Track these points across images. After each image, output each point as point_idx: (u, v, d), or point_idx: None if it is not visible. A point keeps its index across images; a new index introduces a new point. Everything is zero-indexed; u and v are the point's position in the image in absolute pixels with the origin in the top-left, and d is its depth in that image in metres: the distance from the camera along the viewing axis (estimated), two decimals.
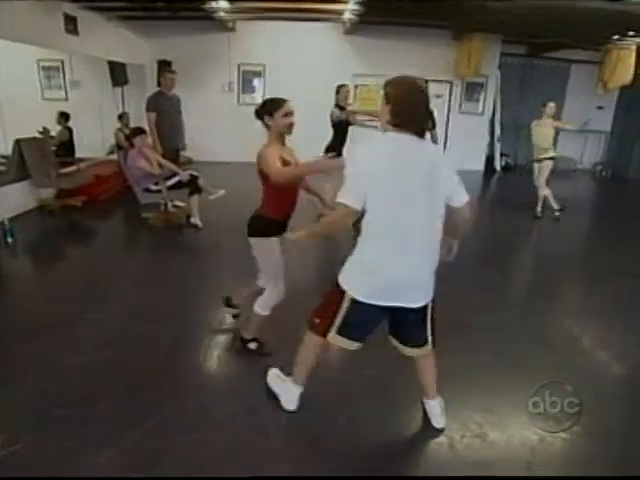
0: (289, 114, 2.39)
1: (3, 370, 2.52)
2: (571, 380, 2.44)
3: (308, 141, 9.54)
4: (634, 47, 8.17)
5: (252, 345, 2.72)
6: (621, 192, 9.66)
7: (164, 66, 8.22)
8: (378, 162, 1.79)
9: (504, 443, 2.19)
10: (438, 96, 9.76)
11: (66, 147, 6.75)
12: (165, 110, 5.57)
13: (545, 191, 6.30)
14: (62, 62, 8.57)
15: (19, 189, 5.48)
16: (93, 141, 8.03)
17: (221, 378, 2.67)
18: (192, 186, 5.09)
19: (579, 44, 8.77)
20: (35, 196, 5.70)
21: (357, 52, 9.30)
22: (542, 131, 6.27)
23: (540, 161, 6.30)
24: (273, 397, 2.32)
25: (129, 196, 6.75)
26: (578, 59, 10.17)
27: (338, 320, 1.99)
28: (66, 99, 8.70)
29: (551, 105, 6.27)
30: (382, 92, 1.85)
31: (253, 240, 2.50)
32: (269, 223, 2.47)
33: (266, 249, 2.48)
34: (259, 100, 10.23)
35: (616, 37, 7.60)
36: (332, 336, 2.03)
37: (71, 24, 6.19)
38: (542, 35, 8.05)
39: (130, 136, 4.99)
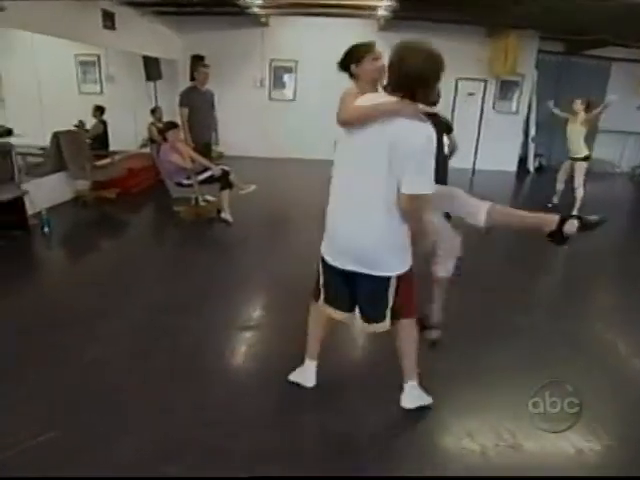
0: (378, 58, 2.22)
1: (32, 359, 2.58)
2: (607, 386, 2.35)
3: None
4: None
5: (434, 334, 2.69)
6: None
7: (197, 61, 8.32)
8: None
9: (539, 453, 2.12)
10: (470, 94, 9.58)
11: (101, 140, 6.90)
12: (197, 105, 5.60)
13: (580, 192, 6.16)
14: (98, 57, 8.75)
15: (56, 180, 5.63)
16: (126, 134, 8.19)
17: (247, 374, 2.65)
18: (223, 181, 5.12)
19: (622, 41, 8.42)
20: (71, 187, 5.84)
21: (390, 48, 9.16)
22: (572, 129, 6.15)
23: (575, 160, 6.20)
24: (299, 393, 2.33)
25: (160, 189, 6.84)
26: (619, 57, 9.79)
27: (320, 281, 2.11)
28: (101, 93, 8.89)
29: (577, 102, 6.14)
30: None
31: None
32: None
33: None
34: (290, 96, 10.40)
35: None
36: (321, 302, 2.15)
37: (109, 20, 6.30)
38: (584, 32, 7.75)
39: (163, 130, 5.05)
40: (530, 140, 9.94)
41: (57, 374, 2.45)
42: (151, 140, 7.21)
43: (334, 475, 1.95)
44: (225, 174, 5.12)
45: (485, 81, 9.52)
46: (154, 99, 8.73)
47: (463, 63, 9.06)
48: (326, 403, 2.32)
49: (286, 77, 9.54)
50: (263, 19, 8.57)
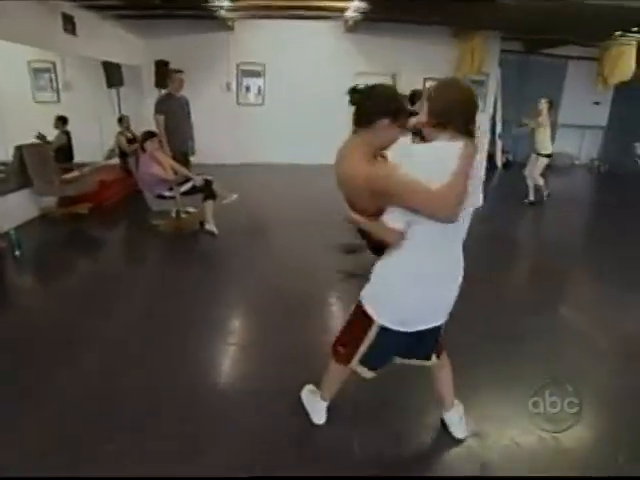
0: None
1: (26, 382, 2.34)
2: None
3: (310, 142, 9.50)
4: (634, 43, 8.21)
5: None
6: (619, 186, 9.72)
7: (162, 66, 8.00)
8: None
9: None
10: None
11: (65, 152, 6.48)
12: (173, 112, 5.38)
13: (540, 181, 6.72)
14: (53, 64, 8.24)
15: (20, 197, 5.21)
16: (90, 145, 7.75)
17: (241, 393, 2.48)
18: (207, 191, 4.90)
19: (580, 40, 8.78)
20: (37, 204, 5.43)
21: (358, 50, 9.17)
22: (538, 128, 6.50)
23: (539, 155, 6.59)
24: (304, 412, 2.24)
25: (134, 202, 6.55)
26: (575, 55, 10.22)
27: (362, 350, 1.85)
28: (58, 101, 8.39)
29: (542, 101, 6.51)
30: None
31: None
32: None
33: None
34: (258, 101, 10.17)
35: (619, 33, 7.60)
36: (355, 364, 1.91)
37: (69, 24, 5.93)
38: (546, 31, 8.01)
39: (141, 140, 4.77)
40: (497, 137, 10.20)
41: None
42: (121, 151, 6.84)
43: (333, 475, 1.91)
44: (208, 184, 4.91)
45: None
46: (118, 107, 8.32)
47: (431, 64, 9.19)
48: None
49: (254, 81, 9.33)
50: (229, 23, 8.34)
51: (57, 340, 2.88)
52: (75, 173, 5.87)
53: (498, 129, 10.17)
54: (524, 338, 3.08)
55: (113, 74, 7.95)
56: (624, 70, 8.54)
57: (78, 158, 6.93)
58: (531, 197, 6.83)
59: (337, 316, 3.30)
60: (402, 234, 1.60)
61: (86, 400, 2.33)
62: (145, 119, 8.46)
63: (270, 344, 2.93)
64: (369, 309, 1.78)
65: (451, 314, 1.88)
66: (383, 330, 1.76)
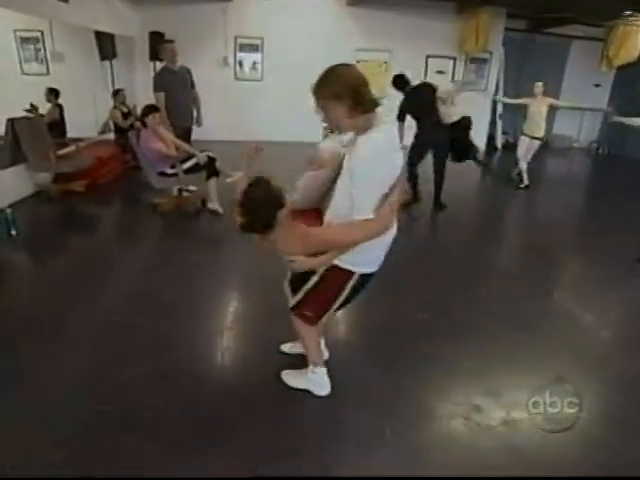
0: None
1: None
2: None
3: (306, 116, 9.26)
4: None
5: None
6: (616, 169, 9.72)
7: (157, 38, 7.69)
8: None
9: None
10: (440, 72, 9.51)
11: (58, 126, 6.20)
12: (173, 87, 5.16)
13: (523, 165, 6.63)
14: (42, 32, 7.86)
15: (14, 174, 4.98)
16: (83, 119, 7.45)
17: (236, 379, 2.41)
18: (210, 169, 4.74)
19: (587, 20, 8.61)
20: (32, 181, 5.21)
21: (359, 25, 8.89)
22: (534, 111, 6.43)
23: (532, 138, 6.49)
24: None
25: (131, 179, 6.36)
26: (578, 35, 10.05)
27: (338, 301, 1.95)
28: (47, 74, 8.02)
29: (538, 84, 6.44)
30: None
31: None
32: None
33: None
34: (257, 76, 9.82)
35: (628, 13, 7.46)
36: (328, 316, 2.04)
37: None
38: (554, 9, 7.83)
39: (142, 115, 4.56)
40: (497, 117, 10.07)
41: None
42: (116, 126, 6.59)
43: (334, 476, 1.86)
44: (211, 161, 4.74)
45: (454, 58, 9.47)
46: (111, 80, 8.00)
47: (433, 40, 8.99)
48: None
49: (252, 56, 9.03)
50: None
51: (46, 325, 2.73)
52: (71, 148, 5.62)
53: (499, 109, 10.03)
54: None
55: (106, 46, 7.62)
56: (630, 51, 8.46)
57: (71, 133, 6.67)
58: (526, 181, 6.68)
59: None
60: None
61: (69, 388, 2.24)
62: (138, 93, 8.23)
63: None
64: (347, 266, 1.84)
65: None
66: (361, 277, 1.89)
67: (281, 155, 8.61)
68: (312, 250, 1.79)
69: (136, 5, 8.02)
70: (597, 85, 10.84)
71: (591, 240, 4.87)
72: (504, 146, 10.26)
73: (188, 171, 4.72)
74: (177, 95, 5.18)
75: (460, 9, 8.65)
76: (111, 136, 6.88)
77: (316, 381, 2.18)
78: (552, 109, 6.80)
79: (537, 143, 6.53)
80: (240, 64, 9.04)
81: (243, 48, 8.86)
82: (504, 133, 10.29)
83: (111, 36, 7.62)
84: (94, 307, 2.98)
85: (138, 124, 5.38)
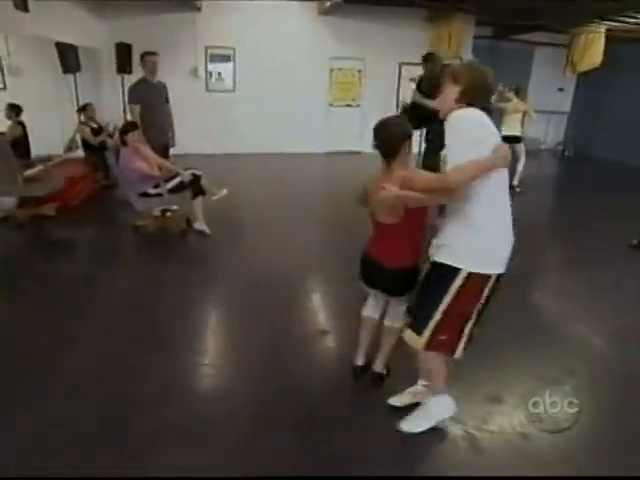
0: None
1: None
2: None
3: (281, 127, 9.11)
4: (603, 31, 8.37)
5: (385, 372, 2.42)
6: (583, 169, 10.05)
7: (124, 49, 7.34)
8: None
9: None
10: (412, 79, 9.53)
11: (22, 145, 5.76)
12: (150, 101, 4.89)
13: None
14: None
15: None
16: (45, 137, 6.99)
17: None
18: (195, 187, 4.49)
19: (555, 27, 8.86)
20: None
21: (333, 34, 8.82)
22: (509, 115, 6.74)
23: (512, 142, 6.53)
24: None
25: (105, 199, 6.00)
26: (542, 42, 10.36)
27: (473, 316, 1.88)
28: (4, 88, 7.52)
29: (505, 88, 6.88)
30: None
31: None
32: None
33: None
34: (229, 87, 9.48)
35: (596, 20, 7.70)
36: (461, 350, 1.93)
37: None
38: (522, 17, 7.99)
39: (121, 132, 4.26)
40: None
41: None
42: (85, 142, 6.20)
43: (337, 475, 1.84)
44: (196, 179, 4.49)
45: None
46: (75, 94, 7.57)
47: (406, 48, 9.02)
48: None
49: (224, 66, 8.78)
50: (197, 2, 7.75)
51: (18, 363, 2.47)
52: (38, 168, 5.20)
53: None
54: None
55: (69, 58, 7.19)
56: (593, 57, 8.73)
57: (35, 152, 6.22)
58: (515, 181, 6.76)
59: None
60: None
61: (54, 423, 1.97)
62: (106, 108, 7.83)
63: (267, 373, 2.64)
64: (483, 270, 1.80)
65: None
66: (494, 278, 1.83)
67: (257, 167, 8.44)
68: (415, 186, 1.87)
69: (101, 15, 7.66)
70: (560, 89, 11.20)
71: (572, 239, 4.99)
72: None
73: (172, 191, 4.45)
74: (154, 109, 4.91)
75: (432, 17, 8.72)
76: (79, 153, 6.48)
77: (445, 408, 2.07)
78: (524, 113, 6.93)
79: (521, 145, 6.72)
80: (211, 75, 8.78)
81: (214, 58, 8.61)
82: None
83: (74, 48, 7.20)
84: (69, 347, 2.67)
85: (111, 141, 5.06)
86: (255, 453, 1.96)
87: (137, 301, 3.35)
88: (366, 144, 8.61)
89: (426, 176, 1.95)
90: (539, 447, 2.04)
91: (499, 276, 1.85)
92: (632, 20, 7.67)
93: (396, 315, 2.24)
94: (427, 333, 1.86)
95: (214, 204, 4.63)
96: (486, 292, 1.84)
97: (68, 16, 6.72)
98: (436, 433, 2.07)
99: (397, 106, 9.26)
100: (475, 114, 1.75)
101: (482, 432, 2.10)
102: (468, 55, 9.58)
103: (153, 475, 1.80)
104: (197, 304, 3.30)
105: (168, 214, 4.84)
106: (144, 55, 5.05)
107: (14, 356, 2.58)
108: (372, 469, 1.90)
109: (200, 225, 4.60)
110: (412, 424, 2.06)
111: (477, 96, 1.79)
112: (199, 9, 8.10)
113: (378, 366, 2.38)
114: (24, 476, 1.77)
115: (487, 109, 1.80)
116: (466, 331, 1.88)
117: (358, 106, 9.48)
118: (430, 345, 1.89)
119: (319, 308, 3.35)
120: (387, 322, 2.30)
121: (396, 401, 2.21)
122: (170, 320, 3.03)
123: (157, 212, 4.74)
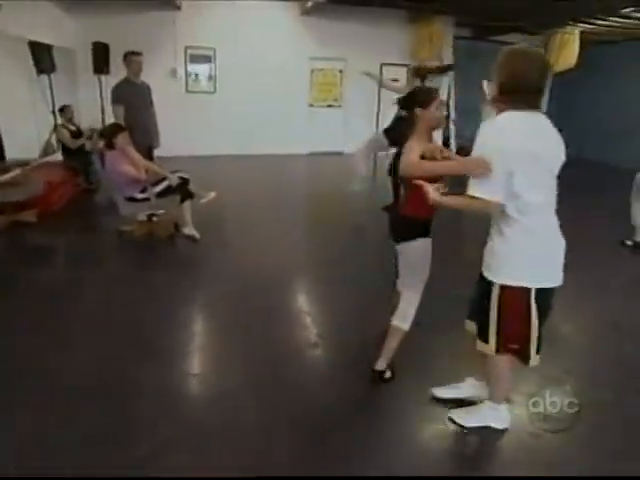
0: (441, 106, 2.23)
1: None
2: None
3: (263, 128, 9.01)
4: (578, 32, 8.60)
5: (388, 374, 2.39)
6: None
7: (100, 49, 7.12)
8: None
9: None
10: (395, 80, 9.59)
11: None
12: (134, 102, 4.78)
13: None
14: None
15: None
16: (18, 140, 6.73)
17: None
18: (183, 191, 4.39)
19: (531, 29, 9.04)
20: None
21: (314, 34, 8.80)
22: (488, 113, 6.52)
23: None
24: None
25: (86, 204, 5.81)
26: (519, 43, 10.54)
27: (534, 330, 1.82)
28: None
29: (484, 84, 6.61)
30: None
31: (409, 244, 2.21)
32: (421, 223, 2.22)
33: (422, 250, 2.23)
34: (210, 88, 9.39)
35: (570, 23, 7.89)
36: (534, 355, 1.88)
37: None
38: (501, 18, 8.13)
39: (108, 135, 4.11)
40: (451, 123, 10.32)
41: None
42: (63, 146, 6.00)
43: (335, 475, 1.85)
44: (184, 183, 4.40)
45: (407, 66, 9.58)
46: (50, 96, 7.30)
47: (387, 49, 9.07)
48: None
49: (204, 67, 8.64)
50: (177, 1, 7.60)
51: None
52: (15, 172, 4.99)
53: (452, 115, 10.29)
54: None
55: (43, 58, 6.93)
56: (568, 58, 8.96)
57: (8, 155, 5.97)
58: None
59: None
60: (501, 205, 1.71)
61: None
62: (83, 109, 7.59)
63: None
64: (523, 283, 1.76)
65: None
66: (540, 292, 1.77)
67: (241, 169, 8.33)
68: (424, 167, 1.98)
69: (77, 14, 7.43)
70: None
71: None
72: (458, 150, 10.53)
73: (160, 195, 4.34)
74: (138, 110, 4.79)
75: (413, 18, 8.79)
76: (57, 157, 6.26)
77: (498, 417, 2.07)
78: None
79: None
80: (191, 75, 8.63)
81: (194, 59, 8.46)
82: (457, 137, 10.58)
83: (48, 48, 6.95)
84: (49, 370, 2.49)
85: (89, 144, 4.89)
86: (255, 454, 1.94)
87: (126, 309, 3.23)
88: (348, 144, 8.61)
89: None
90: (540, 447, 2.05)
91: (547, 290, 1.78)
92: (603, 22, 7.92)
93: (403, 315, 2.26)
94: (492, 340, 1.87)
95: (200, 207, 4.54)
96: (532, 304, 1.77)
97: (42, 14, 6.50)
98: (435, 433, 2.09)
99: (378, 106, 9.28)
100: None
101: (483, 431, 2.10)
102: (448, 55, 9.71)
103: (153, 475, 1.78)
104: (188, 310, 3.22)
105: (155, 219, 4.71)
106: (128, 55, 4.91)
107: None
108: (372, 469, 1.89)
109: (189, 230, 4.50)
110: (465, 417, 2.12)
111: (522, 90, 1.64)
112: (179, 8, 7.95)
113: (380, 364, 2.38)
114: (24, 476, 1.77)
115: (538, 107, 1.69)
116: (532, 337, 1.83)
117: (340, 107, 9.48)
118: (500, 350, 1.89)
119: (310, 309, 3.30)
120: (394, 322, 2.31)
121: (440, 393, 2.27)
122: (161, 329, 2.93)
123: (143, 217, 4.61)
